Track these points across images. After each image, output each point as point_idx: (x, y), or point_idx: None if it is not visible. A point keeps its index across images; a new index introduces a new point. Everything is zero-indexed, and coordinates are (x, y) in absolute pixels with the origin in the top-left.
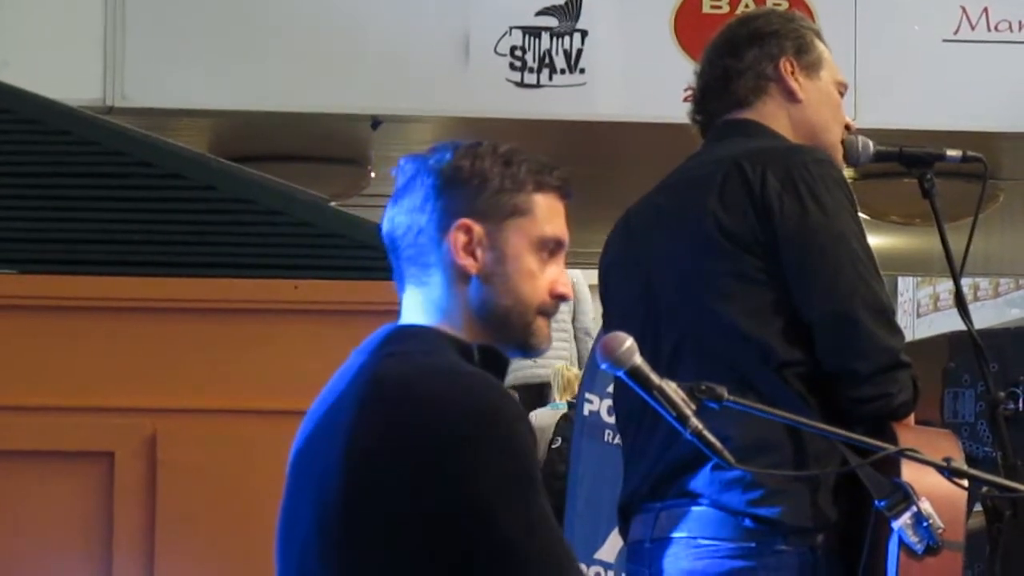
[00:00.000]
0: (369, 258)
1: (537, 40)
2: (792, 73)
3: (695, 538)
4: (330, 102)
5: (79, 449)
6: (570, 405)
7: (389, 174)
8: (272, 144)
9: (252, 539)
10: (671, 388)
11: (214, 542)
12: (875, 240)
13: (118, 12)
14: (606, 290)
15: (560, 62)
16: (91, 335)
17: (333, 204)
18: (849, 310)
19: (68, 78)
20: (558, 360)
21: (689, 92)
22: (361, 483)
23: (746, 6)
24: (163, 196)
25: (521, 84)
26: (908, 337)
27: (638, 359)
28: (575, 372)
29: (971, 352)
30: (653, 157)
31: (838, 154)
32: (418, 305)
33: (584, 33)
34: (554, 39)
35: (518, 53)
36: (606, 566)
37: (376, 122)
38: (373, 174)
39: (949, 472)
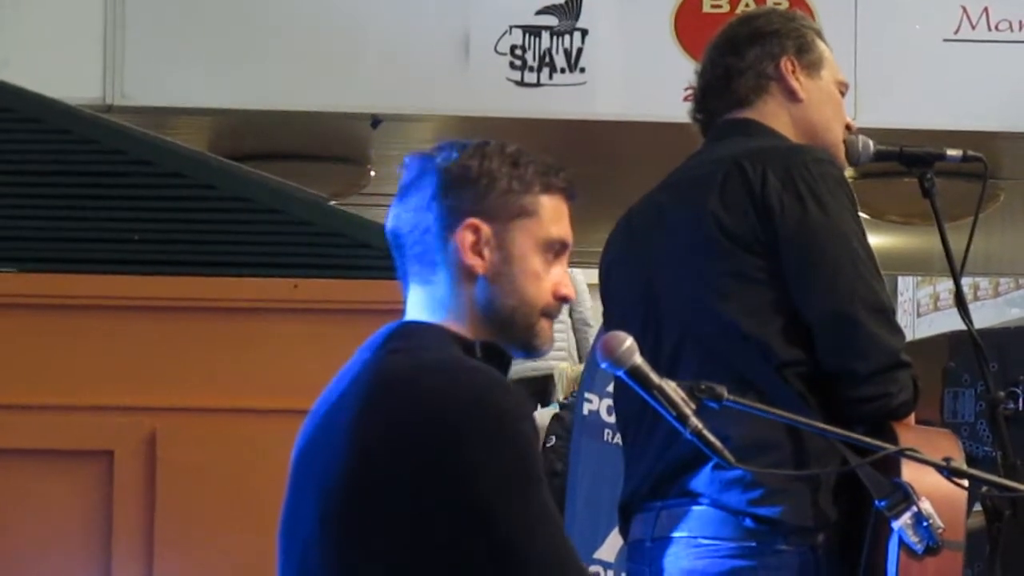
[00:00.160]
0: (369, 257)
1: (537, 39)
2: (793, 72)
3: (696, 537)
4: (330, 101)
5: (78, 448)
6: (562, 406)
7: (389, 173)
8: (272, 143)
9: (252, 538)
10: (671, 387)
11: (213, 541)
12: (875, 239)
13: (118, 11)
14: (607, 289)
15: (560, 61)
16: (91, 334)
17: (333, 203)
18: (849, 310)
19: (68, 77)
20: (558, 352)
21: (690, 91)
22: (363, 479)
23: (746, 5)
24: (163, 195)
25: (521, 83)
26: (908, 337)
27: (638, 358)
28: (578, 371)
29: (971, 352)
30: (653, 156)
31: (840, 153)
32: (422, 303)
33: (584, 32)
34: (554, 38)
35: (518, 52)
36: (605, 565)
37: (376, 121)
38: (373, 173)
39: (949, 472)
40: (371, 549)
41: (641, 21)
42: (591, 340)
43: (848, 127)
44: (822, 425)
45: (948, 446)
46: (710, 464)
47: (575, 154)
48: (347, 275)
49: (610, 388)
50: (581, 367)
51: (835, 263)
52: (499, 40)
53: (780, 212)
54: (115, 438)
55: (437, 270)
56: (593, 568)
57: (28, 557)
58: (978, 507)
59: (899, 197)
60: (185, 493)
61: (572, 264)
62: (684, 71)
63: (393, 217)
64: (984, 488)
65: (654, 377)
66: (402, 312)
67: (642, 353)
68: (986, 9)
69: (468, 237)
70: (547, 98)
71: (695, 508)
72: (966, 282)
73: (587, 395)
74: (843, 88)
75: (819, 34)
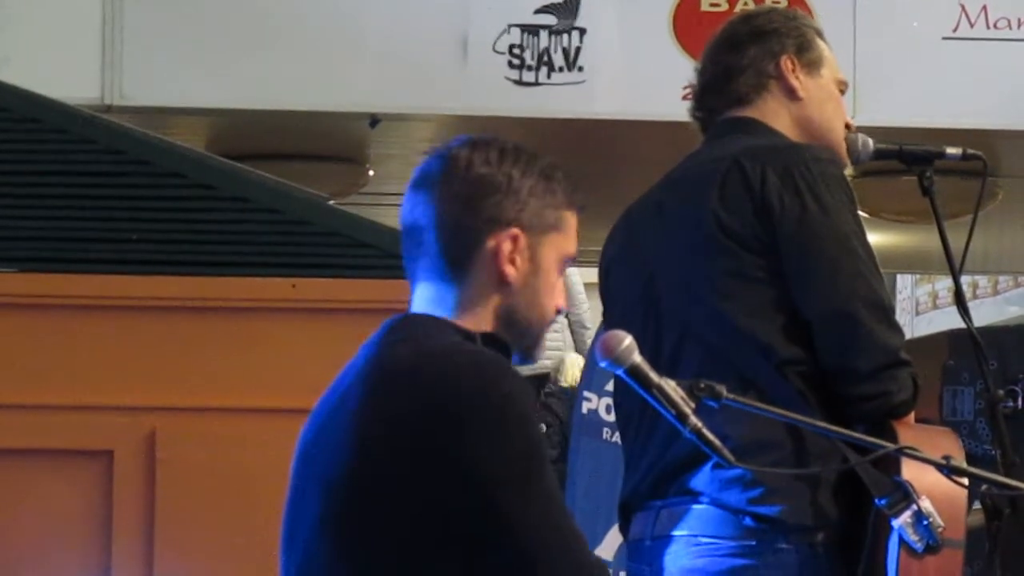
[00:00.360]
0: (368, 256)
1: (536, 38)
2: (793, 71)
3: (696, 536)
4: (328, 101)
5: (78, 447)
6: (549, 394)
7: (388, 172)
8: (271, 142)
9: (251, 536)
10: (670, 386)
11: (213, 539)
12: (874, 238)
13: (116, 11)
14: (607, 288)
15: (559, 60)
16: (90, 334)
17: (331, 202)
18: (849, 308)
19: (67, 77)
20: (552, 351)
21: (689, 89)
22: (367, 470)
23: (745, 4)
24: (162, 195)
25: (520, 82)
26: (907, 335)
27: (637, 357)
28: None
29: (970, 350)
30: (652, 155)
31: (841, 151)
32: (433, 298)
33: (583, 31)
34: (553, 37)
35: (517, 51)
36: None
37: (374, 120)
38: (371, 172)
39: (948, 470)
40: (375, 539)
41: (640, 20)
42: (588, 341)
43: (848, 126)
44: (822, 424)
45: (948, 444)
46: (710, 463)
47: (574, 153)
48: (346, 274)
49: (609, 387)
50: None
51: (835, 261)
52: (498, 39)
53: (780, 210)
54: (115, 437)
55: (460, 270)
56: None
57: (28, 556)
58: (977, 505)
59: (898, 195)
60: (185, 492)
61: (571, 263)
62: (683, 70)
63: (412, 208)
64: (983, 486)
65: (653, 376)
66: (404, 309)
67: (642, 352)
68: (985, 7)
69: (507, 245)
70: (546, 97)
71: (695, 507)
72: (965, 280)
73: (586, 394)
74: (843, 87)
75: (819, 33)
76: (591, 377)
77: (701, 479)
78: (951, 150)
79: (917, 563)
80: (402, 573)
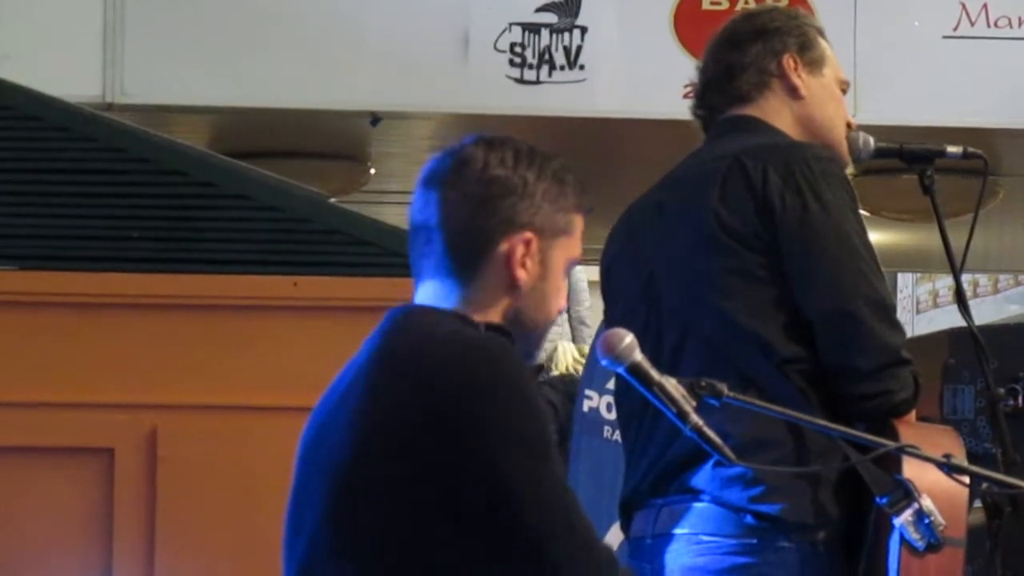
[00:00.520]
0: (368, 254)
1: (537, 36)
2: (795, 69)
3: (696, 534)
4: (329, 99)
5: (79, 445)
6: (540, 383)
7: (389, 170)
8: (271, 140)
9: (252, 534)
10: (671, 384)
11: (214, 537)
12: (875, 236)
13: (118, 8)
14: (608, 287)
15: (560, 58)
16: (91, 332)
17: (332, 200)
18: (850, 307)
19: (68, 74)
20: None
21: (690, 88)
22: (371, 458)
23: (746, 2)
24: (163, 192)
25: (521, 80)
26: (908, 333)
27: (638, 355)
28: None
29: (971, 348)
30: (653, 153)
31: (842, 150)
32: (439, 294)
33: (584, 29)
34: (554, 35)
35: (518, 49)
36: None
37: (375, 119)
38: (372, 170)
39: (949, 469)
40: (379, 532)
41: (640, 18)
42: (587, 338)
43: (848, 124)
44: (823, 422)
45: (949, 443)
46: (711, 461)
47: (575, 151)
48: (347, 272)
49: (610, 385)
50: (581, 347)
51: (836, 260)
52: (499, 37)
53: (781, 209)
54: (116, 435)
55: (470, 270)
56: None
57: (29, 554)
58: (978, 504)
59: (899, 194)
60: (185, 490)
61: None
62: (683, 68)
63: (423, 206)
64: (984, 485)
65: (654, 374)
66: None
67: (643, 350)
68: (985, 6)
69: (520, 249)
70: (547, 95)
71: (696, 505)
72: (965, 279)
73: (587, 392)
74: (844, 86)
75: (821, 32)
76: (592, 375)
77: (702, 477)
78: (952, 149)
79: (918, 562)
80: (406, 566)
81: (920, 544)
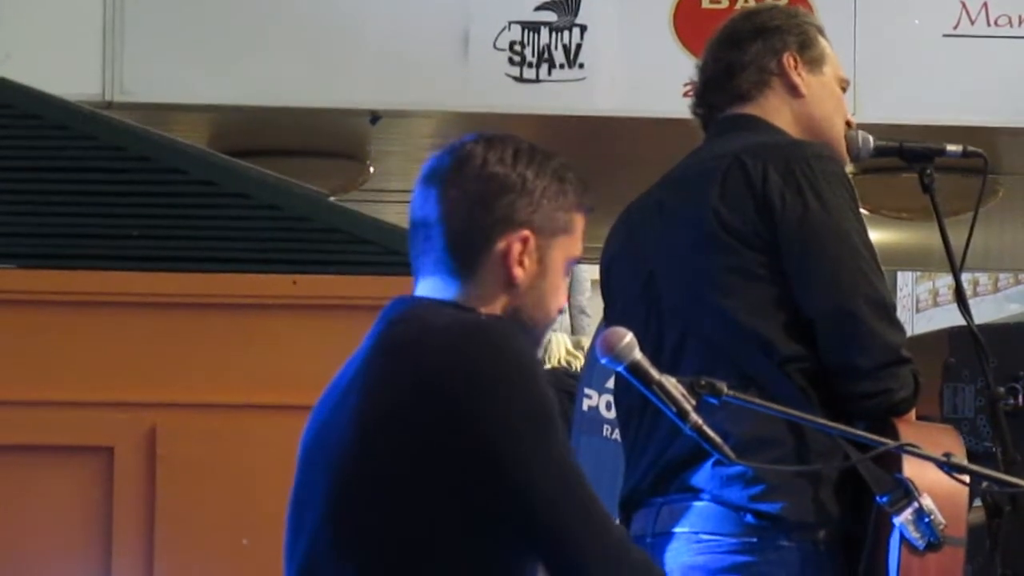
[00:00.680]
0: (368, 253)
1: (536, 35)
2: (795, 68)
3: (697, 533)
4: (329, 97)
5: (79, 444)
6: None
7: (388, 169)
8: (271, 139)
9: (251, 533)
10: (671, 383)
11: (213, 536)
12: (875, 235)
13: (118, 7)
14: (608, 286)
15: (559, 57)
16: (90, 330)
17: (332, 199)
18: (850, 306)
19: (68, 73)
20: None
21: (690, 87)
22: (375, 447)
23: (746, 1)
24: (162, 191)
25: (520, 79)
26: (907, 332)
27: (638, 354)
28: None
29: (971, 347)
30: (652, 152)
31: (841, 149)
32: (439, 290)
33: (583, 28)
34: (553, 34)
35: (517, 48)
36: None
37: (375, 117)
38: (372, 169)
39: (949, 468)
40: (381, 528)
41: (640, 17)
42: (587, 328)
43: (848, 123)
44: (823, 421)
45: (949, 442)
46: (711, 460)
47: (574, 150)
48: (346, 271)
49: (609, 384)
50: (573, 338)
51: (836, 259)
52: (498, 36)
53: (781, 208)
54: (115, 434)
55: (469, 267)
56: None
57: (28, 552)
58: (978, 503)
59: (899, 192)
60: (185, 489)
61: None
62: (683, 67)
63: (422, 203)
64: (984, 484)
65: (654, 373)
66: None
67: (643, 349)
68: (985, 4)
69: (518, 247)
70: (546, 94)
71: (696, 504)
72: (965, 277)
73: (586, 391)
74: (844, 85)
75: (820, 30)
76: (591, 373)
77: (702, 476)
78: (952, 147)
79: (918, 561)
80: (407, 565)
81: (920, 543)
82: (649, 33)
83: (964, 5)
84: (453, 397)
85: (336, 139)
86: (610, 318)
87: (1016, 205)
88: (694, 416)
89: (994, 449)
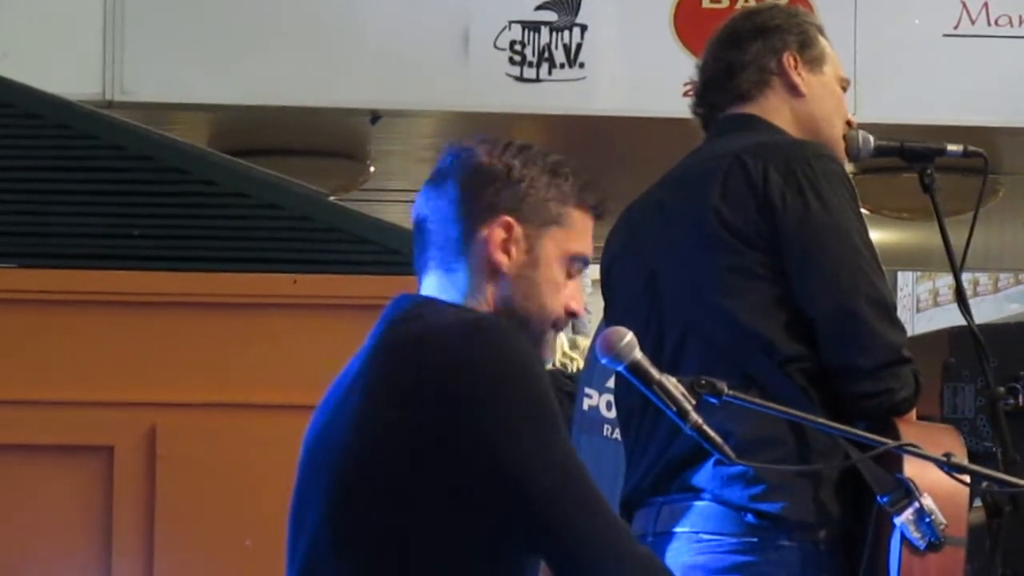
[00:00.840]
0: (368, 252)
1: (536, 34)
2: (795, 67)
3: (697, 533)
4: (329, 97)
5: (79, 443)
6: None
7: (388, 169)
8: (271, 139)
9: (251, 533)
10: (671, 383)
11: (213, 536)
12: (875, 235)
13: (118, 6)
14: (609, 285)
15: (560, 56)
16: (90, 329)
17: (332, 198)
18: (851, 305)
19: (68, 72)
20: None
21: (690, 86)
22: (373, 457)
23: (746, 1)
24: (163, 190)
25: (521, 78)
26: (908, 332)
27: (638, 354)
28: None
29: (971, 347)
30: (653, 152)
31: (841, 149)
32: (440, 288)
33: (583, 28)
34: (553, 33)
35: (517, 47)
36: None
37: (375, 117)
38: (372, 169)
39: (949, 467)
40: (381, 529)
41: (640, 16)
42: (587, 324)
43: (848, 123)
44: (824, 421)
45: (950, 442)
46: (712, 460)
47: (574, 150)
48: (346, 270)
49: (610, 384)
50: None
51: (837, 259)
52: (498, 36)
53: (782, 208)
54: (115, 433)
55: (460, 259)
56: None
57: (28, 551)
58: (978, 503)
59: (899, 192)
60: (185, 488)
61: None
62: (683, 67)
63: (422, 202)
64: (984, 484)
65: (654, 372)
66: None
67: (643, 349)
68: (986, 4)
69: (499, 233)
70: (546, 93)
71: (697, 504)
72: (966, 277)
73: (587, 390)
74: (844, 84)
75: (821, 30)
76: (592, 373)
77: (703, 476)
78: (952, 147)
79: (919, 561)
80: (408, 566)
81: (921, 543)
82: (649, 33)
83: (964, 5)
84: (454, 397)
85: (336, 139)
86: (611, 317)
87: (1016, 205)
88: (694, 416)
89: (994, 449)
